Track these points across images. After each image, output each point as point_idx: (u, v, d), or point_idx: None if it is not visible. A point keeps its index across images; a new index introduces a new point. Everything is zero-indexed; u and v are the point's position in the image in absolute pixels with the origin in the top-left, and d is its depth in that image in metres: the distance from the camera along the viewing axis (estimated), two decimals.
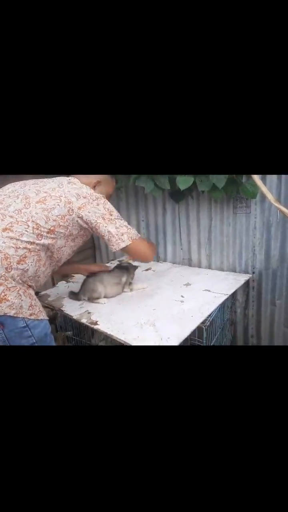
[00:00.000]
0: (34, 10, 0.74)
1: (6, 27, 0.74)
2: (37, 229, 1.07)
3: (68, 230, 1.14)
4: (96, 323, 1.28)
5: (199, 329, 1.28)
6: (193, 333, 1.29)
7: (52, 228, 1.09)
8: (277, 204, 1.22)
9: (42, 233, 1.08)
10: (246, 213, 1.67)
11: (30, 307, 1.06)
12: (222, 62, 0.75)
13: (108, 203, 1.21)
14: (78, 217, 1.14)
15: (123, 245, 1.19)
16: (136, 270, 1.64)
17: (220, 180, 1.51)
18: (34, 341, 1.07)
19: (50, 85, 0.78)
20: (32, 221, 1.06)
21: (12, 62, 0.76)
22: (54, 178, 1.26)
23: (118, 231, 1.18)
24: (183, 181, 1.60)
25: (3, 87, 0.77)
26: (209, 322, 1.30)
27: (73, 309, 1.42)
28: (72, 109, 0.79)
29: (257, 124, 0.78)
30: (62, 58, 0.76)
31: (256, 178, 1.30)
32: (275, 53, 0.73)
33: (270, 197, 1.26)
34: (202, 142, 0.80)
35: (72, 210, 1.13)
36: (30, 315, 1.05)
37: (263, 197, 1.59)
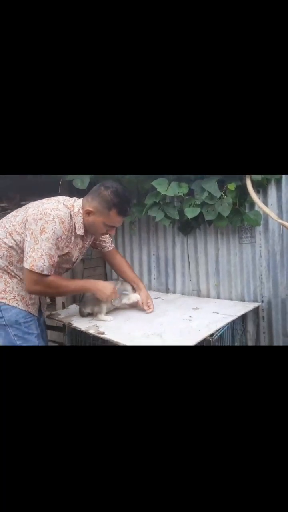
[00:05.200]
0: (34, 10, 0.75)
1: (7, 27, 0.75)
2: (3, 229, 1.26)
3: (23, 238, 1.20)
4: (103, 333, 1.29)
5: (206, 343, 1.26)
6: None
7: (10, 231, 1.23)
8: (279, 220, 1.31)
9: (6, 233, 1.24)
10: (251, 243, 1.75)
11: (3, 292, 1.24)
12: (221, 63, 0.77)
13: (52, 225, 1.16)
14: (26, 224, 1.20)
15: (24, 265, 1.16)
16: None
17: (224, 208, 1.63)
18: (5, 323, 1.23)
19: (51, 86, 0.79)
20: (3, 223, 1.28)
21: (13, 63, 0.77)
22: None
23: (31, 251, 1.14)
24: (190, 211, 1.73)
25: (4, 88, 0.78)
26: (217, 337, 1.28)
27: (82, 324, 1.43)
28: (72, 109, 0.81)
29: (256, 125, 0.81)
30: (63, 59, 0.77)
31: (257, 200, 1.42)
32: (275, 54, 0.75)
33: (273, 215, 1.36)
34: (201, 142, 0.84)
35: (26, 219, 1.20)
36: (1, 298, 1.23)
37: (266, 227, 1.68)
